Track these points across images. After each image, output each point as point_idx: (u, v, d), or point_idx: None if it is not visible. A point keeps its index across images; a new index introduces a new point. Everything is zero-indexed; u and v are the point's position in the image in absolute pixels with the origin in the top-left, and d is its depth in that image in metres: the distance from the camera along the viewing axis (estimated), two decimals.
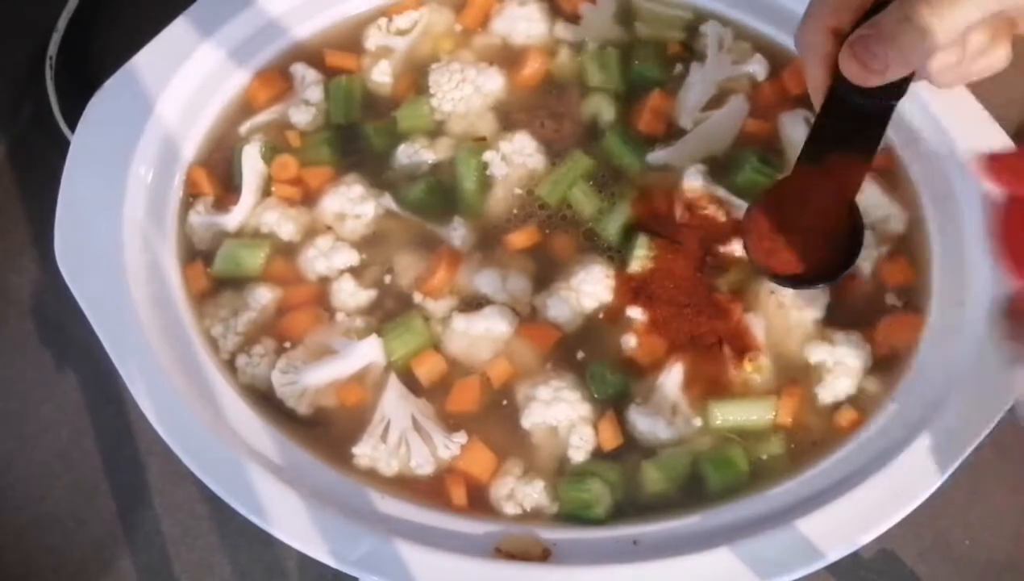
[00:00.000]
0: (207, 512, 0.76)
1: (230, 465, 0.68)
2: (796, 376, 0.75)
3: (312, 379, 0.74)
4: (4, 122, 0.92)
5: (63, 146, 0.78)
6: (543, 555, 0.68)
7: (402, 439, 0.73)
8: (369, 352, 0.75)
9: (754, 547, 0.66)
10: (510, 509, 0.71)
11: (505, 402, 0.74)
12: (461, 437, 0.73)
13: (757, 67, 0.86)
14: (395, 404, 0.74)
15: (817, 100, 0.54)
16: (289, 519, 0.67)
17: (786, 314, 0.76)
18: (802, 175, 0.57)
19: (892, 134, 0.83)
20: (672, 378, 0.73)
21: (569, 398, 0.73)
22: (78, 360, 0.82)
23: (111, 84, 0.80)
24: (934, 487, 0.66)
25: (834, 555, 0.65)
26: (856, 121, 0.54)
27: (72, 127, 0.80)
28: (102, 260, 0.75)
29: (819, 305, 0.76)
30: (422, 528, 0.69)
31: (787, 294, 0.76)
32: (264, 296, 0.78)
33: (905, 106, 0.81)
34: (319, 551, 0.66)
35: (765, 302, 0.76)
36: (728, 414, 0.73)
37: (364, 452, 0.72)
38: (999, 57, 0.50)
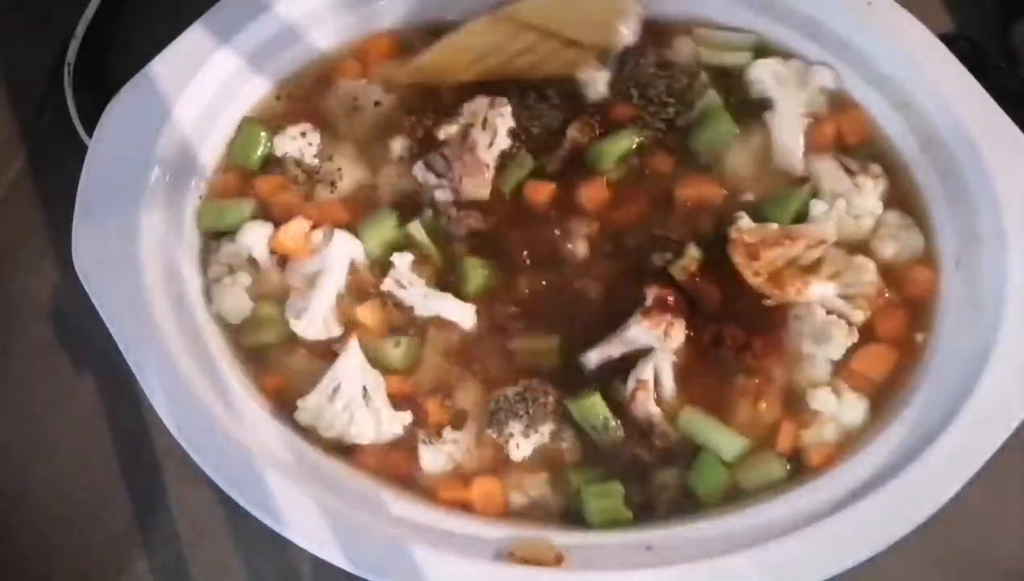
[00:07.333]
0: (222, 514, 0.77)
1: (245, 469, 0.69)
2: (793, 410, 0.74)
3: (318, 302, 0.76)
4: (25, 129, 0.93)
5: (82, 152, 0.79)
6: (556, 560, 0.68)
7: (347, 406, 0.73)
8: (344, 248, 0.77)
9: (769, 554, 0.66)
10: (520, 513, 0.71)
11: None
12: (407, 417, 0.74)
13: (823, 73, 0.82)
14: (349, 369, 0.74)
15: None
16: (303, 523, 0.67)
17: (807, 346, 0.74)
18: None
19: (909, 135, 0.81)
20: (666, 380, 0.74)
21: (542, 418, 0.73)
22: (96, 364, 0.83)
23: (128, 89, 0.81)
24: (949, 495, 0.66)
25: (849, 562, 0.65)
26: None
27: (91, 133, 0.80)
28: (119, 264, 0.75)
29: (837, 346, 0.74)
30: (435, 532, 0.70)
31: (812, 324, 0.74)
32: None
33: (924, 107, 0.79)
34: (333, 554, 0.66)
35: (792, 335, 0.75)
36: (700, 431, 0.72)
37: (308, 406, 0.73)
38: None
